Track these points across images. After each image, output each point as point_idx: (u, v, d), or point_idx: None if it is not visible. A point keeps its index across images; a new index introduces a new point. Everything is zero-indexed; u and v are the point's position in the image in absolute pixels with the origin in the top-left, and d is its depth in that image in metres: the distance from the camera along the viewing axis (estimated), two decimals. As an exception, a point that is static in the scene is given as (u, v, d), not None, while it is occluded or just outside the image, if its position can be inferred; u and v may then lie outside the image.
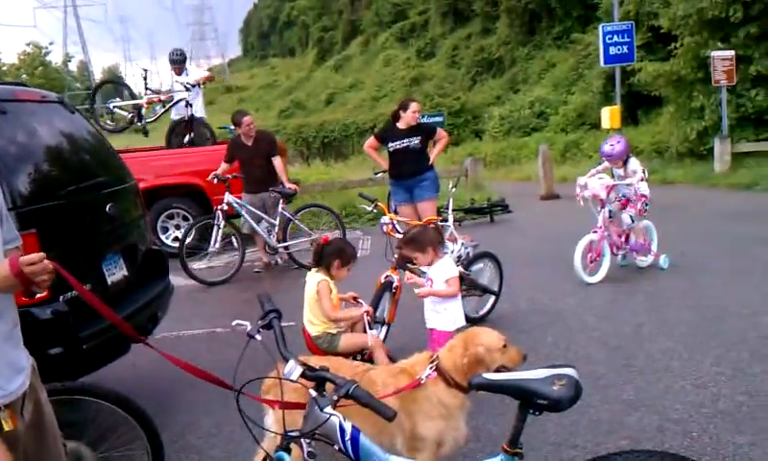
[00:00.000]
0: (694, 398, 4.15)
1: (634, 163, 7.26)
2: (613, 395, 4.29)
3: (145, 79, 11.85)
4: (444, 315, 4.30)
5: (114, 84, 14.65)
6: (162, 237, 10.10)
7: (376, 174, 8.99)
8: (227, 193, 8.47)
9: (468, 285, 5.66)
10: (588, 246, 7.04)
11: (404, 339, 5.15)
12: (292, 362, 2.15)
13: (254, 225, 8.63)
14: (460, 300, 4.42)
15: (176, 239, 9.81)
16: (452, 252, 6.07)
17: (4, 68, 36.89)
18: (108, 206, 4.23)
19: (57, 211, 3.75)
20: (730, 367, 4.57)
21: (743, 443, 3.53)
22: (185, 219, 10.08)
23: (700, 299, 6.26)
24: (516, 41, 34.11)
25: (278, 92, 57.12)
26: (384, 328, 5.10)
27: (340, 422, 2.12)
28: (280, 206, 8.65)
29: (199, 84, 11.01)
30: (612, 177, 7.42)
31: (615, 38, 15.91)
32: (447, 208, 7.29)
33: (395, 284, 5.18)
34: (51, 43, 40.53)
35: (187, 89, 10.60)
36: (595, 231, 7.03)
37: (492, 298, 6.10)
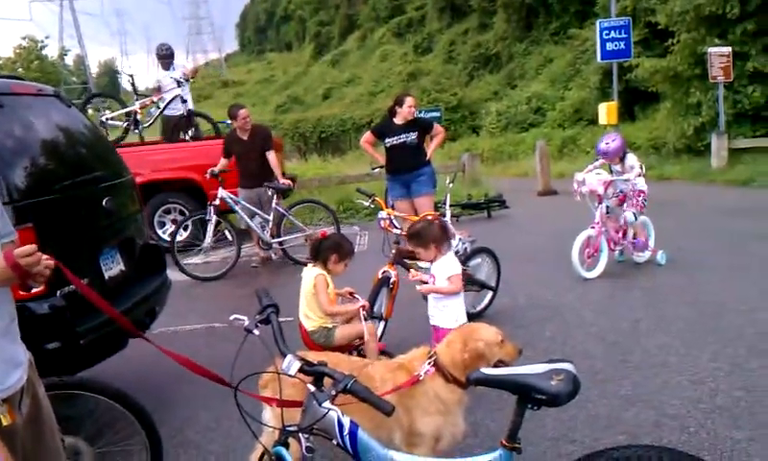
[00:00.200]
0: (691, 393, 4.15)
1: (631, 159, 7.27)
2: (611, 390, 4.29)
3: (133, 84, 11.82)
4: (446, 312, 4.29)
5: (101, 96, 14.61)
6: (159, 232, 10.09)
7: (374, 169, 8.99)
8: (220, 188, 8.46)
9: (466, 281, 5.65)
10: (586, 241, 7.04)
11: (402, 334, 5.14)
12: (290, 357, 2.15)
13: (248, 220, 8.63)
14: (462, 297, 4.41)
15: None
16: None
17: (0, 62, 36.72)
18: (104, 201, 4.22)
19: (54, 205, 3.74)
20: (727, 362, 4.58)
21: (741, 438, 3.53)
22: (182, 214, 10.07)
23: (697, 295, 6.27)
24: (514, 37, 34.07)
25: (275, 87, 56.93)
26: (381, 324, 5.09)
27: (338, 416, 2.13)
28: (274, 201, 8.63)
29: (188, 79, 10.99)
30: (610, 172, 7.43)
31: (612, 34, 15.88)
32: (445, 204, 7.31)
33: (392, 280, 5.17)
34: (47, 37, 40.23)
35: (179, 84, 10.58)
36: (593, 227, 7.04)
37: (490, 293, 6.10)
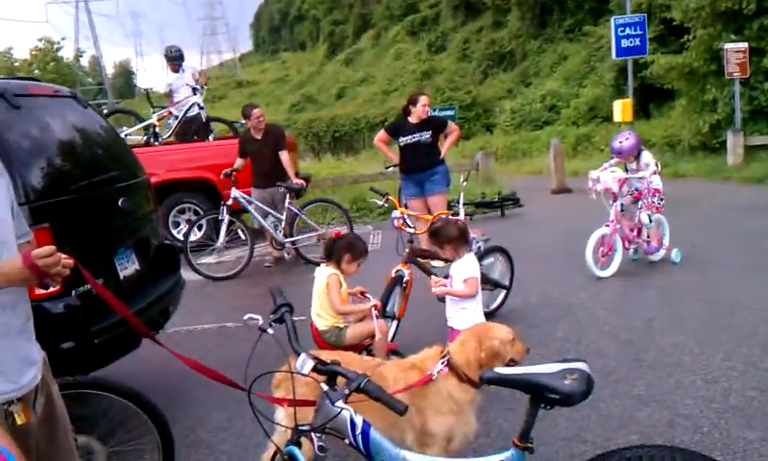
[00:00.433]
0: (705, 393, 4.13)
1: (646, 156, 7.23)
2: (624, 390, 4.27)
3: (149, 97, 11.83)
4: (462, 314, 4.28)
5: (120, 113, 14.68)
6: (174, 232, 10.12)
7: (387, 168, 8.99)
8: (233, 188, 8.49)
9: (480, 280, 5.65)
10: (600, 240, 7.01)
11: (414, 333, 5.13)
12: (303, 356, 2.16)
13: (261, 220, 8.65)
14: (479, 299, 4.40)
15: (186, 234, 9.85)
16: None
17: (16, 64, 36.89)
18: (120, 201, 4.25)
19: (70, 206, 3.77)
20: (741, 362, 4.55)
21: (754, 438, 3.51)
22: (197, 214, 10.09)
23: (711, 293, 6.23)
24: (528, 34, 33.96)
25: (289, 87, 57.10)
26: (394, 323, 5.09)
27: (351, 416, 2.13)
28: (287, 200, 8.64)
29: (202, 86, 11.00)
30: (625, 170, 7.39)
31: (627, 31, 15.75)
32: (458, 202, 7.30)
33: (405, 279, 5.16)
34: (63, 38, 40.27)
35: (195, 92, 10.62)
36: (607, 225, 7.00)
37: (503, 292, 6.08)
